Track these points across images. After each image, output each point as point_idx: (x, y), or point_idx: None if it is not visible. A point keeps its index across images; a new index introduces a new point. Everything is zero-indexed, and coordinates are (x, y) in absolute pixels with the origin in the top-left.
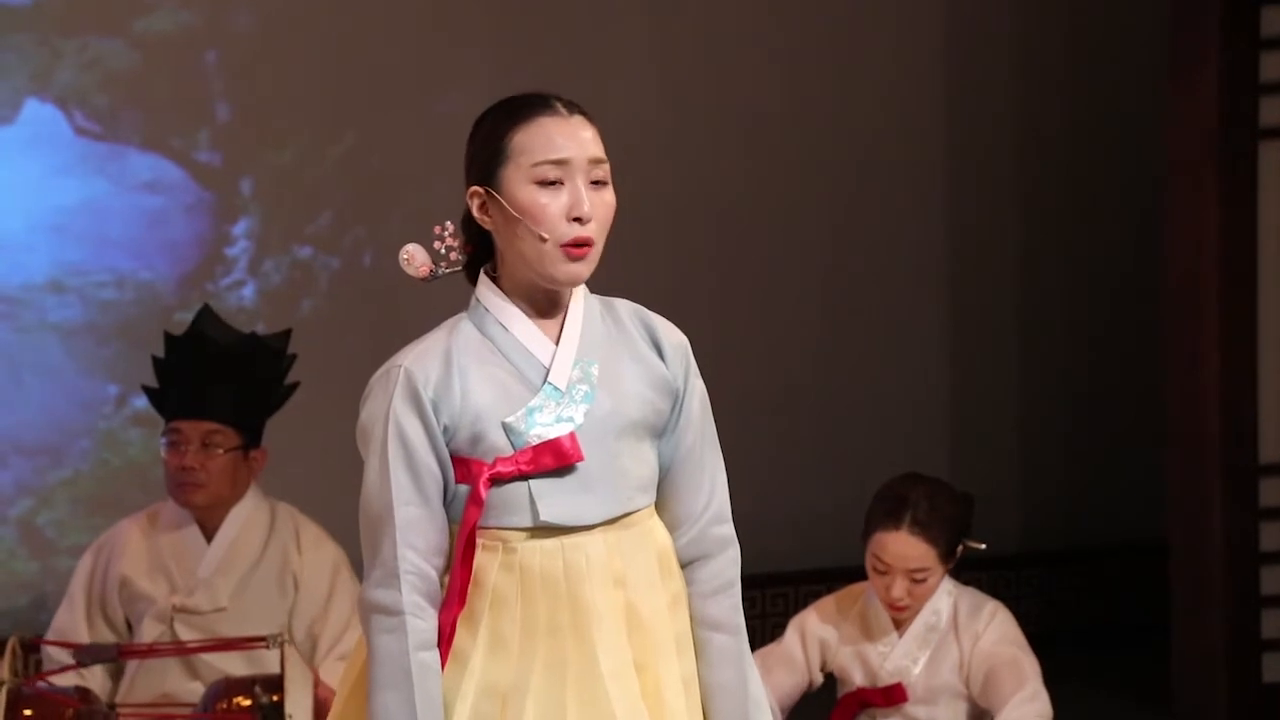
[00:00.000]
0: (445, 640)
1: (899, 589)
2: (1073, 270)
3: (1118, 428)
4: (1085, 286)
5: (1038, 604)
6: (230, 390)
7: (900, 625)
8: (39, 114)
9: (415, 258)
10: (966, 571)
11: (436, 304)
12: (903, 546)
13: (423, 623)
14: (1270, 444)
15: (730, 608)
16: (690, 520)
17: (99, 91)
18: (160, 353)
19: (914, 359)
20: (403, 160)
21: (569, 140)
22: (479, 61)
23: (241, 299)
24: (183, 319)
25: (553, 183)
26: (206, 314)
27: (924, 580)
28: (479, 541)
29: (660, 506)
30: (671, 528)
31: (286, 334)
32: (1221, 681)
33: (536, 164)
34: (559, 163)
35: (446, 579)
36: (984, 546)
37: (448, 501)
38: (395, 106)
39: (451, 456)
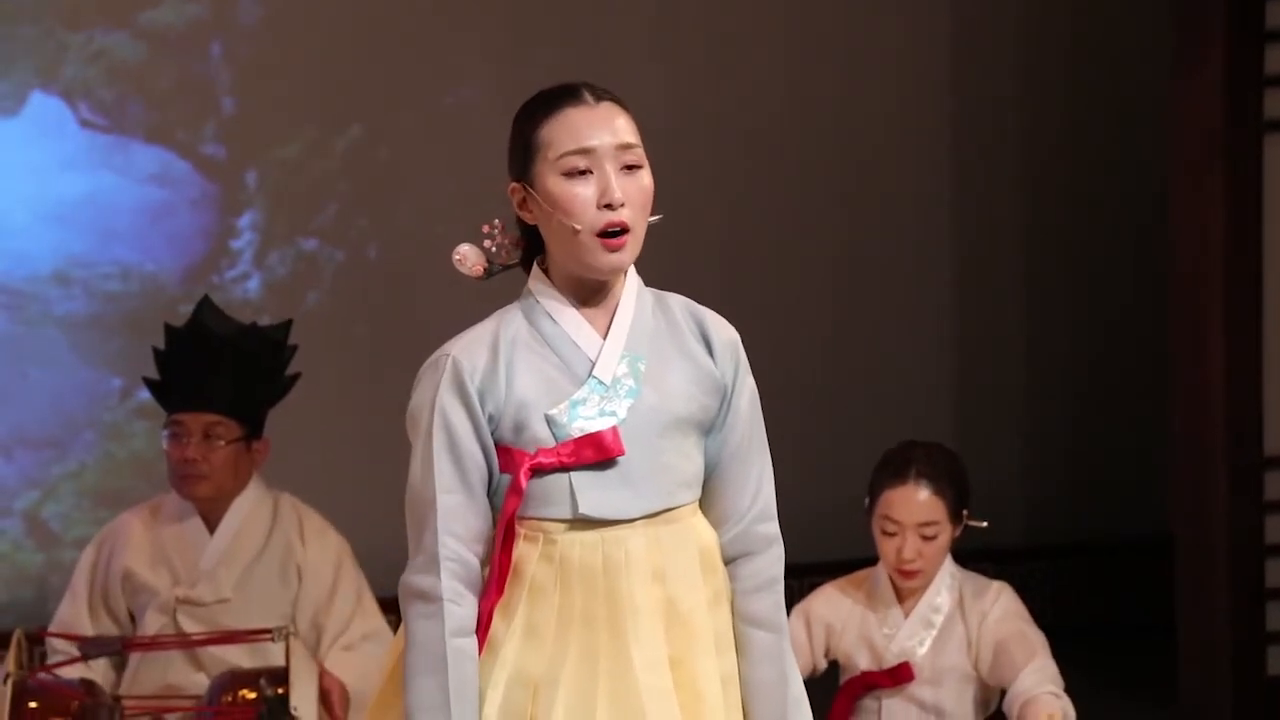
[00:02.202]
0: (483, 628)
1: (910, 548)
2: (1077, 266)
3: (1121, 424)
4: (1089, 282)
5: (1041, 599)
6: (231, 381)
7: (904, 601)
8: (44, 106)
9: (468, 258)
10: (972, 563)
11: (442, 297)
12: (911, 499)
13: (460, 609)
14: (1275, 438)
15: (772, 605)
16: (736, 517)
17: (104, 84)
18: (163, 345)
19: (918, 354)
20: (408, 153)
21: (595, 128)
22: (484, 56)
23: (246, 291)
24: (187, 312)
25: (582, 172)
26: (206, 305)
27: (934, 538)
28: (520, 531)
29: (706, 502)
30: (717, 524)
31: (287, 324)
32: (1226, 675)
33: (562, 155)
34: (585, 152)
35: (488, 567)
36: (985, 524)
37: (492, 490)
38: (401, 100)
39: (496, 445)
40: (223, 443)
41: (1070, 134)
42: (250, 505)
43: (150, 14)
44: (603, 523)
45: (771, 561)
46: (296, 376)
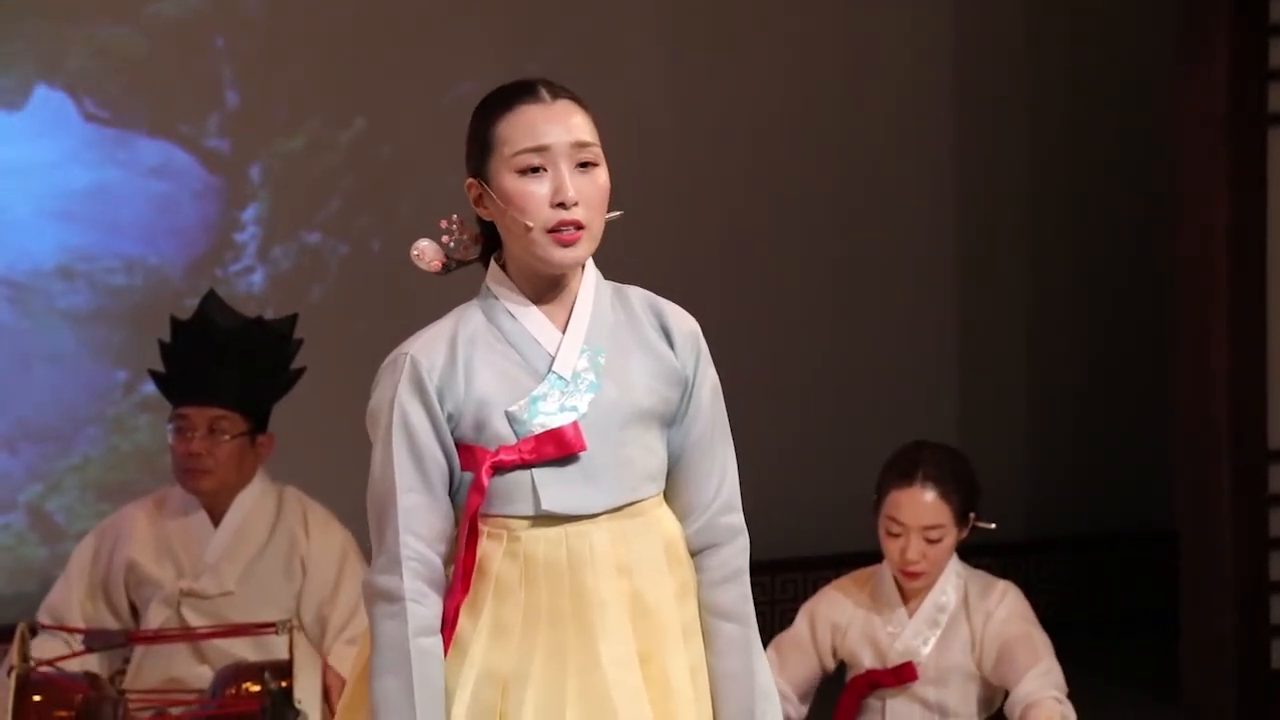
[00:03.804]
0: (448, 627)
1: (915, 550)
2: (1077, 265)
3: (1123, 420)
4: (1093, 276)
5: (1044, 595)
6: (236, 375)
7: (909, 600)
8: (48, 100)
9: (426, 253)
10: (974, 559)
11: (447, 290)
12: (917, 502)
13: (424, 609)
14: (1279, 432)
15: (738, 596)
16: (700, 509)
17: (108, 78)
18: (168, 338)
19: (919, 354)
20: (412, 147)
21: (550, 126)
22: (489, 49)
23: (250, 285)
24: (191, 305)
25: (536, 170)
26: (212, 299)
27: (939, 540)
28: (483, 529)
29: (670, 495)
30: (681, 516)
31: (293, 319)
32: (1230, 668)
33: (517, 153)
34: (539, 149)
35: (452, 566)
36: (993, 526)
37: (454, 489)
38: (405, 93)
39: (457, 444)
40: (227, 437)
41: (1070, 134)
42: (254, 499)
43: (154, 7)
44: (566, 518)
45: (737, 552)
46: (302, 371)
